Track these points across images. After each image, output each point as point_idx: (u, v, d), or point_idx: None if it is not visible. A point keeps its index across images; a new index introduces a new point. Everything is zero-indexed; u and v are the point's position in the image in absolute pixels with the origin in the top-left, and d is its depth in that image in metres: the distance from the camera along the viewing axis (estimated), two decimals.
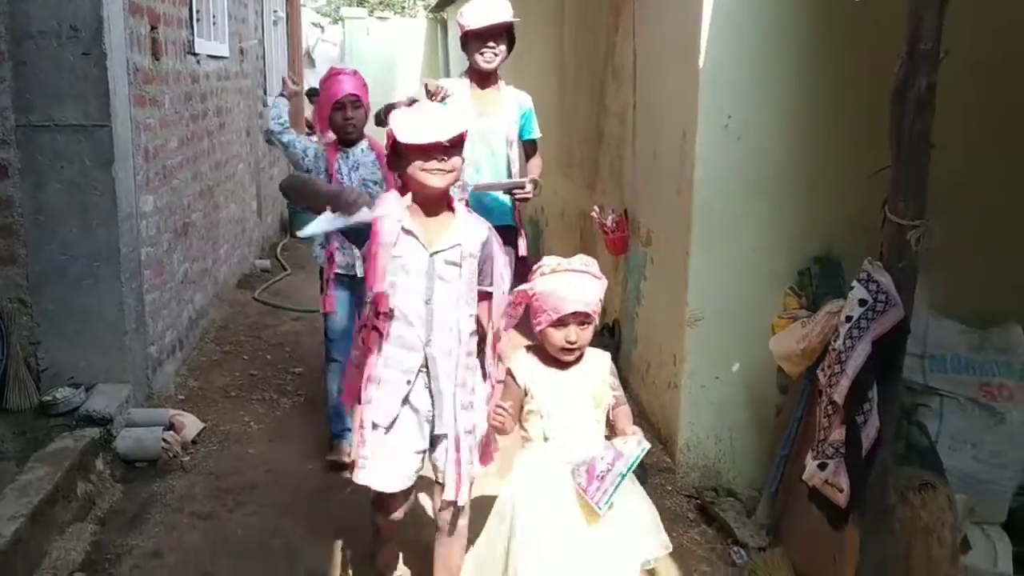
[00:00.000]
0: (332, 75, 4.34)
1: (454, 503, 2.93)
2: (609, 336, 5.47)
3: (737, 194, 4.07)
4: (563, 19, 7.18)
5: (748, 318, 4.08)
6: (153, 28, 5.18)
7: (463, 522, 3.02)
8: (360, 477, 2.92)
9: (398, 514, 3.08)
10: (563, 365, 2.74)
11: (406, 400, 2.87)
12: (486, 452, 3.01)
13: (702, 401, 4.26)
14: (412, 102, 4.04)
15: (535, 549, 2.60)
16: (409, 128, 2.73)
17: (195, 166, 6.30)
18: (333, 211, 2.81)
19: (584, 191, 6.44)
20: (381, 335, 2.83)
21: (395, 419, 2.87)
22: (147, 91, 5.06)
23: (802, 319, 3.64)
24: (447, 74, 14.49)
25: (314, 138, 4.78)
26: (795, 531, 3.60)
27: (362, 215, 2.80)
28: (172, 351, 5.53)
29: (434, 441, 2.93)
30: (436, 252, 2.80)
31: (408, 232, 2.78)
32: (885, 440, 2.86)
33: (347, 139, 4.31)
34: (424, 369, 2.86)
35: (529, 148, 4.49)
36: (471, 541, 2.96)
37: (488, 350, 2.96)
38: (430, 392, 2.87)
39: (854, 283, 2.86)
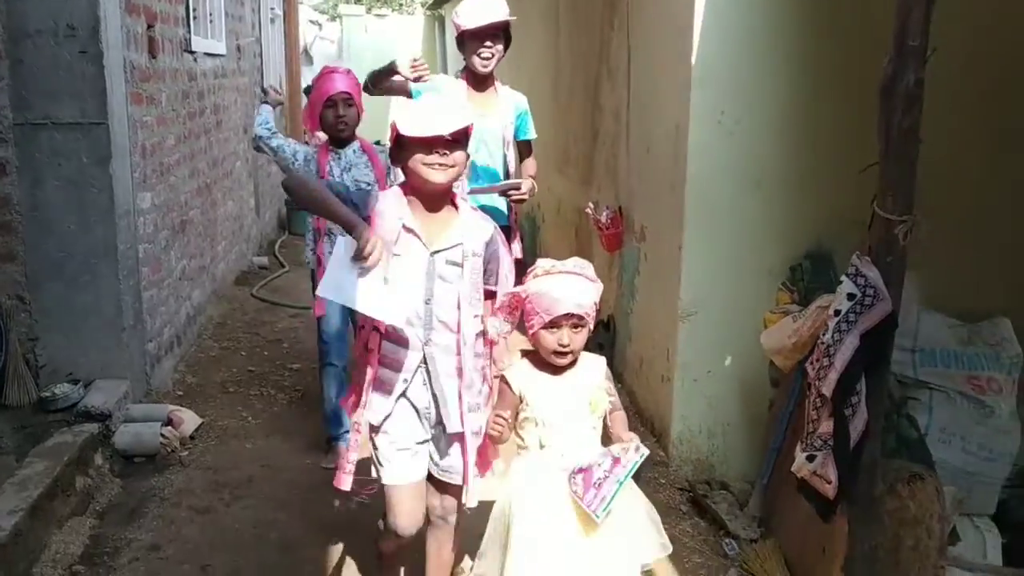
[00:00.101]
0: (325, 73, 4.31)
1: (452, 499, 2.92)
2: (605, 331, 5.51)
3: (729, 190, 4.11)
4: (558, 16, 7.21)
5: (740, 313, 4.12)
6: (150, 26, 5.22)
7: (456, 517, 3.01)
8: (343, 484, 2.86)
9: (408, 522, 2.88)
10: (558, 371, 2.68)
11: (403, 395, 2.80)
12: (484, 462, 2.92)
13: (695, 395, 4.30)
14: (392, 70, 4.03)
15: (531, 557, 2.56)
16: (411, 120, 2.64)
17: (192, 163, 6.33)
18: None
19: (580, 188, 6.47)
20: (381, 335, 2.76)
21: (389, 415, 2.80)
22: (144, 89, 5.09)
23: (793, 314, 3.68)
24: (445, 71, 14.51)
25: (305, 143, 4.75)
26: (786, 523, 3.64)
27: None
28: (170, 347, 5.57)
29: (437, 440, 2.88)
30: (437, 251, 2.72)
31: (409, 230, 2.70)
32: (873, 432, 2.90)
33: (339, 138, 4.26)
34: (422, 367, 2.78)
35: (524, 149, 4.47)
36: (470, 545, 2.93)
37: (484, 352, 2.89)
38: (431, 392, 2.80)
39: (843, 277, 2.90)
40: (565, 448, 2.63)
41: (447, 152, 2.63)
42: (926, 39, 2.69)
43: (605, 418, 2.72)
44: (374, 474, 2.93)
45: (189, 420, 4.72)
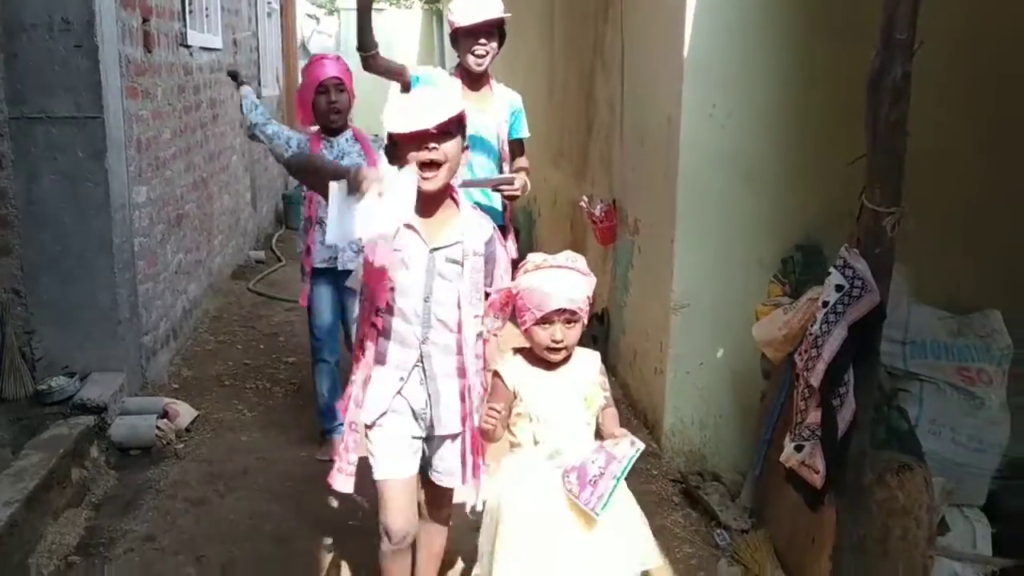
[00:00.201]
0: (315, 60, 4.27)
1: (445, 497, 2.91)
2: (599, 324, 5.53)
3: (721, 183, 4.13)
4: (553, 9, 7.23)
5: (733, 305, 4.14)
6: (145, 20, 5.24)
7: (448, 512, 3.01)
8: (339, 484, 2.81)
9: (400, 522, 2.79)
10: (552, 366, 2.64)
11: (398, 393, 2.74)
12: (476, 464, 2.84)
13: (687, 387, 4.33)
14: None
15: (515, 556, 2.53)
16: (396, 117, 2.57)
17: (188, 157, 6.35)
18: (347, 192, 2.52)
19: (574, 181, 6.50)
20: (379, 332, 2.71)
21: (384, 413, 2.74)
22: (139, 83, 5.11)
23: (784, 306, 3.70)
24: (443, 66, 14.50)
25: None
26: (776, 513, 3.67)
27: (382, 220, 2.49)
28: (166, 341, 5.59)
29: (431, 443, 2.83)
30: (436, 248, 2.65)
31: (409, 226, 2.62)
32: (861, 422, 2.92)
33: (331, 126, 4.20)
34: (419, 365, 2.72)
35: (516, 148, 4.37)
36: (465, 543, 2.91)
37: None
38: (427, 391, 2.74)
39: (831, 269, 2.91)
40: (559, 444, 2.60)
41: (436, 146, 2.55)
42: (913, 32, 2.70)
43: (598, 414, 2.68)
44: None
45: (185, 413, 4.75)
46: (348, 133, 4.27)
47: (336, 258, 4.20)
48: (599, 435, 2.68)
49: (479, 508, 2.78)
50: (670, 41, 4.21)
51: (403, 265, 2.63)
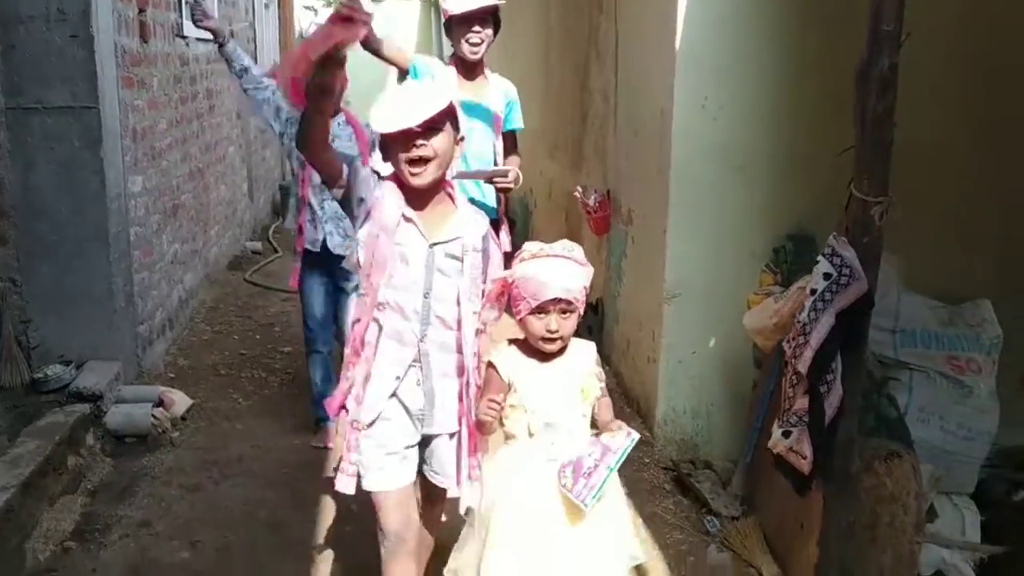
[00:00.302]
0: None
1: (439, 493, 2.83)
2: (593, 314, 5.56)
3: (713, 173, 4.16)
4: (548, 0, 7.24)
5: (725, 294, 4.17)
6: (141, 11, 5.25)
7: (441, 507, 2.98)
8: (341, 485, 2.71)
9: (396, 523, 2.74)
10: (547, 357, 2.60)
11: (393, 395, 2.67)
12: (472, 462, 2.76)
13: (679, 376, 4.36)
14: None
15: (511, 548, 2.51)
16: (381, 115, 2.51)
17: (184, 148, 6.36)
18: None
19: (569, 172, 6.52)
20: (381, 328, 2.63)
21: (380, 414, 2.67)
22: (135, 73, 5.12)
23: (775, 295, 3.73)
24: (441, 57, 14.50)
25: None
26: (767, 500, 3.70)
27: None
28: (162, 330, 5.62)
29: (428, 440, 2.76)
30: (436, 244, 2.60)
31: (408, 220, 2.57)
32: (849, 409, 2.95)
33: None
34: (416, 364, 2.66)
35: (508, 139, 4.28)
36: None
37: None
38: (423, 391, 2.67)
39: (819, 257, 2.94)
40: (554, 436, 2.57)
41: (424, 143, 2.49)
42: (900, 24, 2.73)
43: (594, 406, 2.66)
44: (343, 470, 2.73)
45: (180, 401, 4.78)
46: (340, 117, 4.28)
47: (320, 240, 4.23)
48: (594, 426, 2.66)
49: (475, 506, 2.70)
50: (663, 33, 4.23)
51: (403, 260, 2.58)
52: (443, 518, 3.05)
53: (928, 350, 3.89)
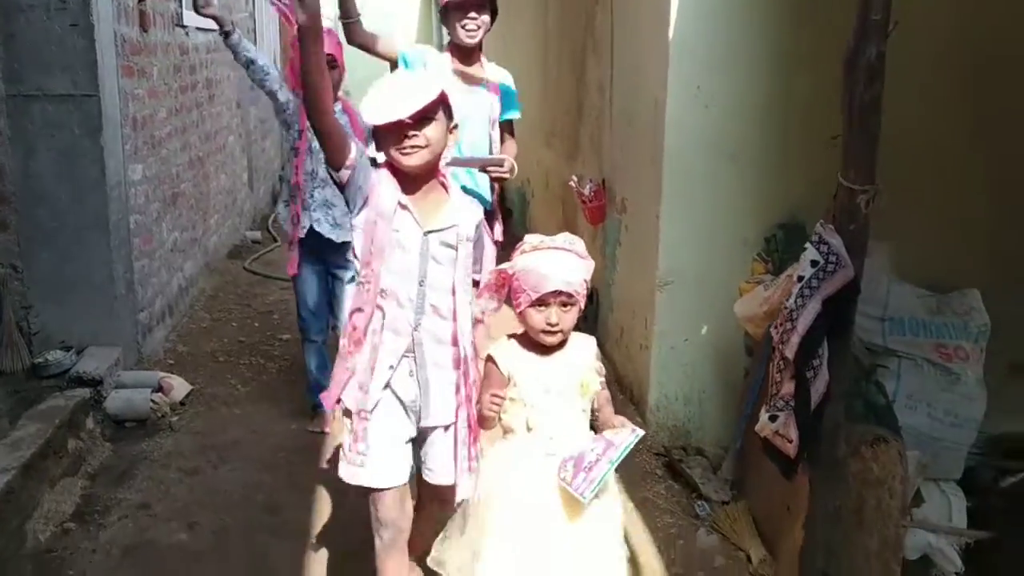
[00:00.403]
0: None
1: (444, 487, 2.78)
2: (588, 303, 5.59)
3: (706, 162, 4.19)
4: None
5: (716, 282, 4.21)
6: (141, 0, 5.28)
7: (441, 507, 2.92)
8: (348, 475, 2.70)
9: (391, 516, 2.75)
10: (547, 351, 2.59)
11: (387, 386, 2.66)
12: (471, 456, 2.75)
13: (672, 363, 4.41)
14: None
15: (510, 542, 2.51)
16: (372, 107, 2.51)
17: (184, 137, 6.41)
18: None
19: (566, 162, 6.55)
20: (384, 316, 2.62)
21: (376, 404, 2.65)
22: (135, 62, 5.17)
23: (765, 283, 3.78)
24: (440, 46, 14.47)
25: None
26: (756, 485, 3.76)
27: None
28: (162, 317, 5.67)
29: (424, 434, 2.75)
30: (430, 232, 2.60)
31: (404, 207, 2.57)
32: (835, 394, 2.99)
33: None
34: (410, 355, 2.65)
35: (505, 128, 4.23)
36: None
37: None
38: (417, 381, 2.67)
39: (807, 245, 2.98)
40: (553, 431, 2.56)
41: (416, 133, 2.50)
42: (888, 14, 2.77)
43: (594, 401, 2.66)
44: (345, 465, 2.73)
45: (179, 387, 4.83)
46: (337, 105, 4.27)
47: (309, 227, 4.27)
48: (594, 421, 2.67)
49: (466, 497, 2.71)
50: (657, 23, 4.27)
51: (399, 247, 2.58)
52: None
53: (916, 338, 3.93)
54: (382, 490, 2.71)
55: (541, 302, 2.51)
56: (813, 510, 3.12)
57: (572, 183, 5.38)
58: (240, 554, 3.51)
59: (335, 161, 2.59)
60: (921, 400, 3.83)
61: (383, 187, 2.59)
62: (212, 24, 4.39)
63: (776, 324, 3.12)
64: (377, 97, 2.53)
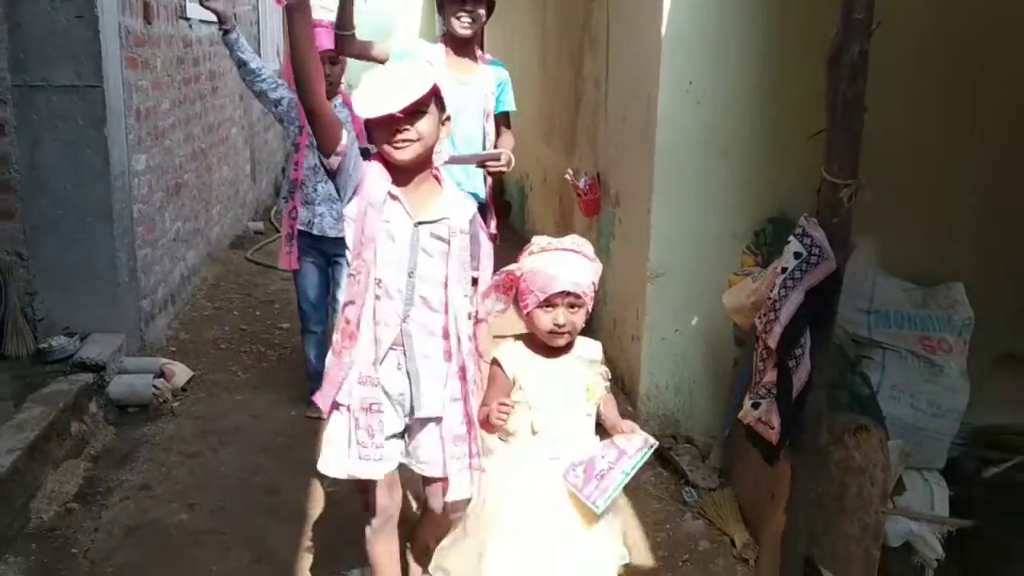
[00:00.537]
0: None
1: (443, 482, 2.71)
2: None
3: (697, 156, 4.26)
4: None
5: (706, 274, 4.27)
6: None
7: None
8: (329, 468, 2.73)
9: (383, 499, 2.78)
10: (553, 354, 2.60)
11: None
12: (472, 453, 2.70)
13: (662, 353, 4.49)
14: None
15: (513, 547, 2.50)
16: (363, 100, 2.49)
17: (187, 128, 6.49)
18: None
19: (563, 157, 6.62)
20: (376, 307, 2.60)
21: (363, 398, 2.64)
22: (139, 54, 5.25)
23: (753, 275, 3.86)
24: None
25: None
26: (742, 472, 3.84)
27: None
28: (164, 305, 5.76)
29: (414, 427, 2.72)
30: (421, 223, 2.57)
31: (394, 198, 2.55)
32: (817, 383, 3.07)
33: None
34: (398, 347, 2.63)
35: (502, 121, 4.21)
36: None
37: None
38: (406, 373, 2.64)
39: (790, 237, 3.04)
40: (558, 434, 2.56)
41: (408, 127, 2.48)
42: (871, 13, 2.84)
43: (599, 404, 2.66)
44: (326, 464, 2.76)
45: (181, 373, 4.93)
46: (337, 99, 4.36)
47: (312, 222, 4.35)
48: (599, 425, 2.68)
49: (460, 497, 2.68)
50: (650, 19, 4.33)
51: (389, 237, 2.57)
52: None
53: (901, 330, 4.01)
54: (372, 479, 2.72)
55: (548, 303, 2.52)
56: (795, 496, 3.19)
57: (568, 176, 5.45)
58: (239, 534, 3.60)
59: (326, 146, 2.57)
60: (905, 391, 3.91)
61: (374, 176, 2.58)
62: (215, 17, 4.43)
63: (760, 314, 3.18)
64: (369, 90, 2.52)
